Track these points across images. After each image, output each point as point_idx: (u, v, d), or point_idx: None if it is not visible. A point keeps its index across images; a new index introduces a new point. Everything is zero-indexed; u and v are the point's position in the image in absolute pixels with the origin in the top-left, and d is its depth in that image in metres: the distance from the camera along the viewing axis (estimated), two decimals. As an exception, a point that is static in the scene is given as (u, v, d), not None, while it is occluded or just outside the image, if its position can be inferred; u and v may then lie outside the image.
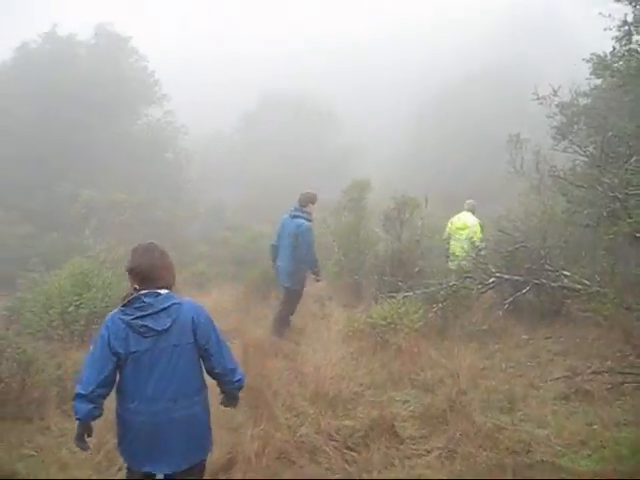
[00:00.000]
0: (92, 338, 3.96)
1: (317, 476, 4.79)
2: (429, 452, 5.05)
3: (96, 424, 3.74)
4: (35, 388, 6.42)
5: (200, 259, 18.55)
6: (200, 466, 3.84)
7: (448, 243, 11.04)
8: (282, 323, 9.07)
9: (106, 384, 3.54)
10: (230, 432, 5.46)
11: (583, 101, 11.82)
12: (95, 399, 3.52)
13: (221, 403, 4.07)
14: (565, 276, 8.50)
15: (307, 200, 9.13)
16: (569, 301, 8.80)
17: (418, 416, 5.77)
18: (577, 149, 8.91)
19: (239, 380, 3.87)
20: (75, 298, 8.73)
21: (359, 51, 45.73)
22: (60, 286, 9.05)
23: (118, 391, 3.65)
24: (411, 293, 8.83)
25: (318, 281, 9.25)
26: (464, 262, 9.49)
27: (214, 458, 4.87)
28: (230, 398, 4.03)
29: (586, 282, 8.05)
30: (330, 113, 36.77)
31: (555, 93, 10.59)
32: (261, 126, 36.20)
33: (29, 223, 20.67)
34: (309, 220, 8.95)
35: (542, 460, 4.65)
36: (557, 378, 6.54)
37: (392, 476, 4.65)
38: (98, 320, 8.59)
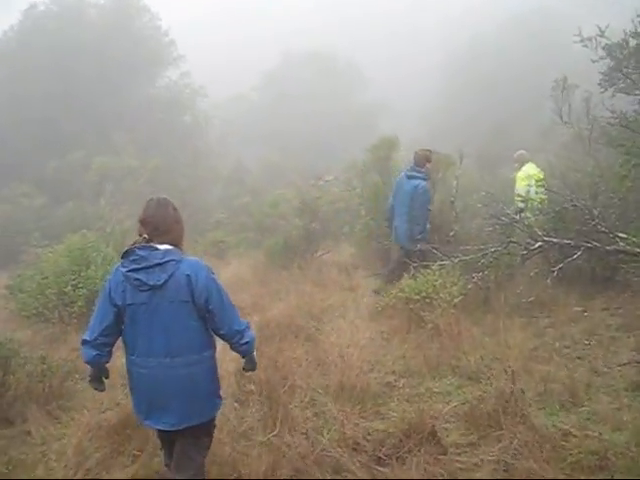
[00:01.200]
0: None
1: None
2: (479, 466, 4.08)
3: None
4: (17, 386, 5.63)
5: (219, 226, 17.75)
6: (206, 425, 3.80)
7: (527, 201, 9.77)
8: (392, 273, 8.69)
9: (108, 333, 3.61)
10: (236, 440, 4.59)
11: (633, 42, 10.70)
12: (99, 346, 3.61)
13: (243, 369, 4.06)
14: (621, 238, 7.43)
15: (424, 159, 8.79)
16: (625, 267, 7.77)
17: (463, 415, 4.79)
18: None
19: (247, 343, 3.76)
20: (72, 277, 7.91)
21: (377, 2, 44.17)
22: (57, 264, 8.23)
23: (123, 342, 3.71)
24: (447, 261, 7.82)
25: (417, 247, 8.53)
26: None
27: (214, 481, 4.03)
28: (247, 361, 3.94)
29: (645, 244, 7.02)
30: (353, 66, 35.54)
31: (602, 34, 9.53)
32: (283, 84, 35.12)
33: (42, 194, 19.94)
34: (426, 180, 8.68)
35: (625, 480, 3.68)
36: (625, 363, 5.54)
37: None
38: (98, 301, 7.85)
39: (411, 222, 8.56)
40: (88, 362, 3.69)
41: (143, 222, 3.68)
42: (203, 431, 3.78)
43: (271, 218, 15.76)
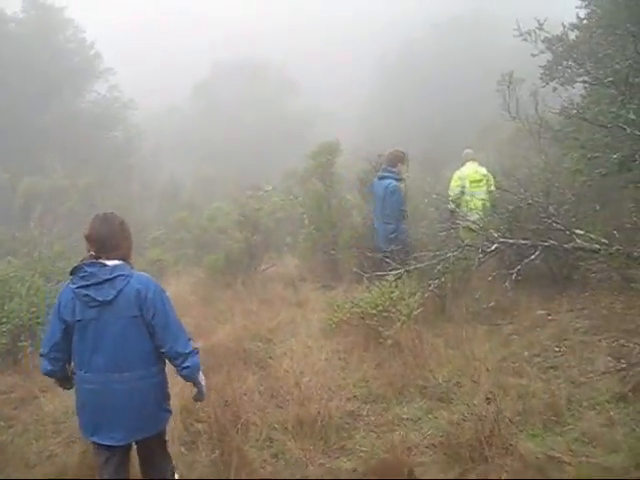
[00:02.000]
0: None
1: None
2: (468, 510, 3.59)
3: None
4: None
5: (157, 244, 16.98)
6: (155, 437, 3.74)
7: (458, 203, 9.41)
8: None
9: (59, 349, 3.60)
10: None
11: (572, 34, 10.64)
12: (52, 361, 3.63)
13: (193, 398, 3.93)
14: (578, 235, 7.13)
15: (396, 159, 8.65)
16: (583, 264, 7.49)
17: (440, 447, 4.28)
18: (590, 80, 7.45)
19: (187, 367, 3.62)
20: (-7, 312, 7.19)
21: (312, 10, 44.09)
22: (-26, 298, 7.47)
23: (73, 357, 3.65)
24: (401, 270, 7.36)
25: (387, 249, 7.98)
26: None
27: None
28: (196, 392, 3.83)
29: (604, 241, 6.74)
30: (285, 74, 35.18)
31: (541, 27, 9.36)
32: (214, 93, 34.51)
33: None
34: (398, 180, 8.50)
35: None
36: (604, 372, 5.13)
37: None
38: (27, 335, 7.13)
39: (385, 222, 8.40)
40: (45, 374, 3.75)
41: (89, 239, 3.64)
42: (155, 443, 3.76)
43: (210, 233, 15.17)
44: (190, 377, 3.69)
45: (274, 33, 42.48)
